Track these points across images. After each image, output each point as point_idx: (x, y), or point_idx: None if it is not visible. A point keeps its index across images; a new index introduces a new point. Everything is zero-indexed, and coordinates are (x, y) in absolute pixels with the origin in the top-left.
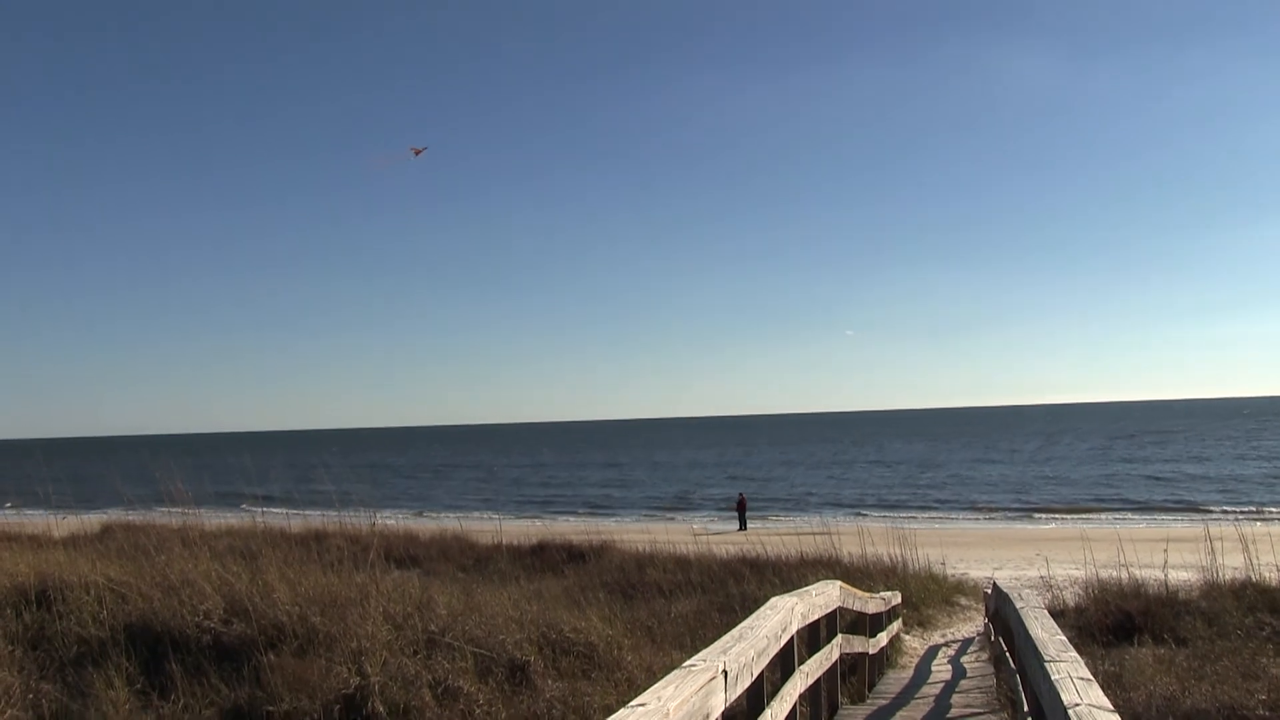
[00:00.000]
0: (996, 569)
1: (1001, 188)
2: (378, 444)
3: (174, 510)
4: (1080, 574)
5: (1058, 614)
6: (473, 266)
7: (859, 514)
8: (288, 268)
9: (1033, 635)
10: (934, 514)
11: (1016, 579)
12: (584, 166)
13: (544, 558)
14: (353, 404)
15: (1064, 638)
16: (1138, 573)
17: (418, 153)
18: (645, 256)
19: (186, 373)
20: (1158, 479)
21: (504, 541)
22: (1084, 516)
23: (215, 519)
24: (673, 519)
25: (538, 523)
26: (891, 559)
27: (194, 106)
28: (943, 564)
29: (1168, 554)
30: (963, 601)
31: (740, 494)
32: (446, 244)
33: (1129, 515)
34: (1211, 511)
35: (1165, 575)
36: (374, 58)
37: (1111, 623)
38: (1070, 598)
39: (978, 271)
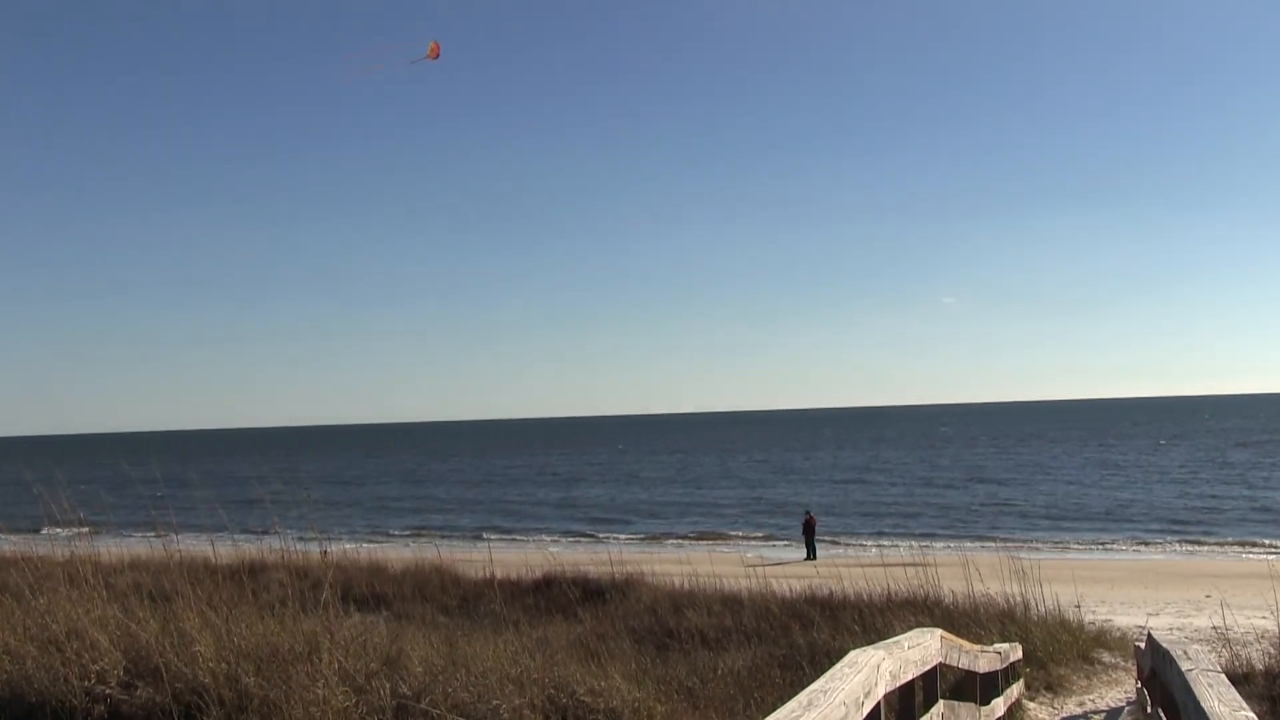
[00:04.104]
0: (1151, 615)
1: (1153, 114)
2: (332, 446)
3: (58, 535)
4: (1269, 625)
5: (1239, 679)
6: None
7: (964, 539)
8: (193, 224)
9: (1206, 709)
10: (1063, 540)
11: (1179, 629)
12: (580, 89)
13: (551, 596)
14: (301, 395)
15: (1251, 714)
16: None
17: (431, 54)
18: (670, 204)
19: (69, 358)
20: None
21: (498, 574)
22: (1269, 547)
23: (115, 546)
24: (719, 545)
25: (542, 549)
26: (1008, 599)
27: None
28: (1077, 607)
29: None
30: (1105, 658)
31: (808, 513)
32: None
33: None
34: None
35: None
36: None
37: None
38: (1257, 657)
39: (1121, 221)
